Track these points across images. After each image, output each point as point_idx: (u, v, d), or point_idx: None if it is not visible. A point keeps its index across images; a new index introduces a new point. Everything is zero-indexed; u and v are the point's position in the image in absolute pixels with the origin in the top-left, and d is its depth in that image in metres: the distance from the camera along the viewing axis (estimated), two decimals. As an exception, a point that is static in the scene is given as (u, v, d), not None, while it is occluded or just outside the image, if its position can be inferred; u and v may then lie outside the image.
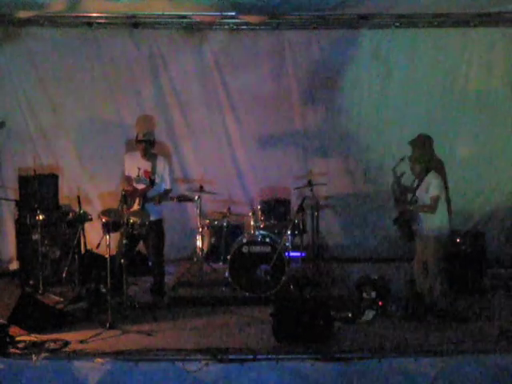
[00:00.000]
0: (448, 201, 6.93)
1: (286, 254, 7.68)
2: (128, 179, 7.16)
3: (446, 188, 7.00)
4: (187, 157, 9.03)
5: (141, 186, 7.13)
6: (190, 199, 8.00)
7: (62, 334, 6.18)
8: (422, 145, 6.86)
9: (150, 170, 7.13)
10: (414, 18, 8.41)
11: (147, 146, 7.16)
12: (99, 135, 8.83)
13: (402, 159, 6.89)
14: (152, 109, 8.82)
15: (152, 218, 7.02)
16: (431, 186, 6.61)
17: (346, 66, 8.82)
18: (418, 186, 6.73)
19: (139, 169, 7.15)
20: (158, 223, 7.18)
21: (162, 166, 7.23)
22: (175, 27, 8.64)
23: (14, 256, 8.40)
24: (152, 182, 7.07)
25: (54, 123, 8.82)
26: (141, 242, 7.31)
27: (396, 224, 6.86)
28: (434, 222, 6.63)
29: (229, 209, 8.27)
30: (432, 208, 6.59)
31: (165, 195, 7.31)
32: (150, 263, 7.43)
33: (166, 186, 7.30)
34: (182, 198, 7.93)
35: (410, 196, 6.75)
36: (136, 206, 7.03)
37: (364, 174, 8.89)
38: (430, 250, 6.67)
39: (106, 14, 8.27)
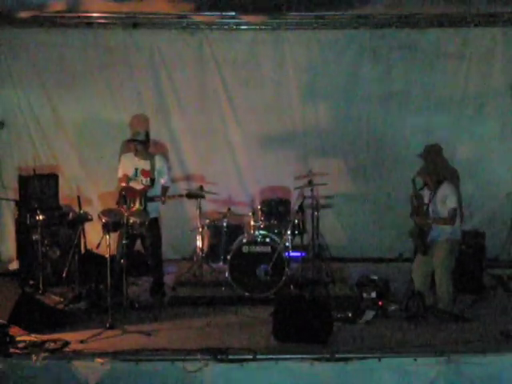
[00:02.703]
0: (460, 207, 6.87)
1: (286, 254, 7.67)
2: (124, 177, 7.17)
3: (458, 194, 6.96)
4: (187, 157, 9.03)
5: (139, 186, 7.14)
6: (199, 196, 7.94)
7: (62, 334, 6.17)
8: (432, 156, 6.80)
9: (148, 169, 7.15)
10: (413, 18, 8.40)
11: (138, 145, 7.16)
12: (99, 135, 8.84)
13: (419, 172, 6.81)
14: (152, 109, 8.82)
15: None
16: (448, 199, 6.55)
17: (345, 66, 8.82)
18: (431, 197, 6.67)
19: (136, 169, 7.16)
20: (155, 222, 7.19)
21: (159, 164, 7.24)
22: (175, 27, 8.64)
23: (14, 256, 8.40)
24: (152, 182, 7.09)
25: (54, 123, 8.83)
26: (138, 242, 7.32)
27: (411, 236, 6.83)
28: (446, 228, 6.59)
29: (229, 209, 8.27)
30: (451, 221, 6.54)
31: (164, 193, 7.32)
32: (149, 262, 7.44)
33: (164, 183, 7.31)
34: (191, 195, 7.89)
35: (424, 208, 6.69)
36: (137, 206, 7.03)
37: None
38: (438, 254, 6.62)
39: (106, 14, 8.27)
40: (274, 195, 8.63)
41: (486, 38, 8.67)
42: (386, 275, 7.33)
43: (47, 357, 5.66)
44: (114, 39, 8.70)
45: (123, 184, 7.15)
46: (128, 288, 6.89)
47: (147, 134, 7.27)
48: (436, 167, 6.71)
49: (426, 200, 6.74)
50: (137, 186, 7.15)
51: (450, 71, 8.79)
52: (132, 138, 7.15)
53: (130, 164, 7.22)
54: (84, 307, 6.96)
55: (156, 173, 7.17)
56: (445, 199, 6.57)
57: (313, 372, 5.60)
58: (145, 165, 7.17)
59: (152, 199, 7.13)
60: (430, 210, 6.67)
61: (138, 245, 7.40)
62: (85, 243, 7.62)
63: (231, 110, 8.91)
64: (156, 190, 7.21)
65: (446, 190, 6.61)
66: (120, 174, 7.28)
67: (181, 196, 7.62)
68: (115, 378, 5.59)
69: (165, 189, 7.34)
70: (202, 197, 7.97)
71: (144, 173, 7.16)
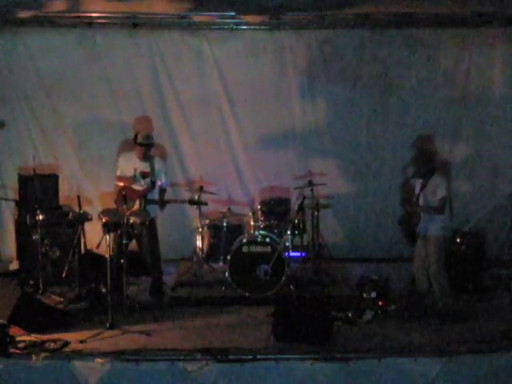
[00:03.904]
0: (450, 201, 6.94)
1: (286, 254, 7.67)
2: (126, 179, 7.16)
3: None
4: (187, 157, 9.02)
5: (139, 188, 7.14)
6: (202, 203, 7.92)
7: (62, 334, 6.18)
8: (424, 144, 6.84)
9: (148, 171, 7.14)
10: (413, 18, 8.40)
11: (147, 149, 7.17)
12: (99, 135, 8.83)
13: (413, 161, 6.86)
14: (152, 109, 8.82)
15: None
16: (439, 188, 6.61)
17: (345, 66, 8.82)
18: (423, 187, 6.71)
19: (135, 170, 7.15)
20: (151, 222, 7.19)
21: (158, 166, 7.25)
22: (175, 27, 8.64)
23: (14, 256, 8.40)
24: (153, 184, 7.09)
25: (54, 123, 8.82)
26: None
27: (401, 224, 6.85)
28: (436, 223, 6.63)
29: (229, 209, 8.26)
30: (440, 209, 6.59)
31: (162, 195, 7.35)
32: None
33: (161, 185, 7.31)
34: (193, 202, 7.82)
35: (415, 197, 6.75)
36: (136, 208, 7.04)
37: None
38: (431, 250, 6.69)
39: (106, 14, 8.25)
40: (274, 195, 8.64)
41: (486, 38, 8.67)
42: (386, 275, 7.33)
43: (47, 357, 5.67)
44: (114, 39, 8.69)
45: (120, 184, 7.15)
46: (128, 288, 6.90)
47: (153, 137, 7.29)
48: (427, 156, 6.75)
49: (416, 189, 6.77)
50: (136, 187, 7.16)
51: (450, 71, 8.79)
52: (145, 143, 7.13)
53: (129, 164, 7.22)
54: (84, 307, 6.97)
55: (156, 176, 7.17)
56: (435, 189, 6.63)
57: (313, 372, 5.60)
58: (145, 166, 7.17)
59: (151, 201, 7.13)
60: (421, 199, 6.71)
61: (133, 245, 7.38)
62: (85, 243, 7.60)
63: (231, 109, 8.90)
64: (155, 192, 7.22)
65: (436, 180, 6.67)
66: (118, 172, 7.29)
67: (183, 202, 7.59)
68: (115, 378, 5.59)
69: (162, 191, 7.35)
70: (205, 204, 7.95)
71: (144, 174, 7.16)
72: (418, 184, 6.81)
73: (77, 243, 7.58)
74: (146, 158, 7.20)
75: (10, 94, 8.72)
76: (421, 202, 6.71)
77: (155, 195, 7.27)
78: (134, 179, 7.13)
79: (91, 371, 5.58)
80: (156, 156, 7.40)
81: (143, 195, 7.10)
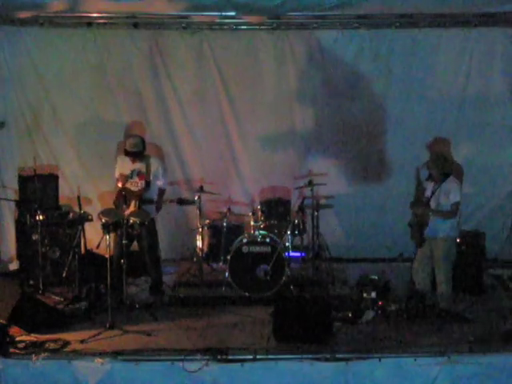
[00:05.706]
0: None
1: (286, 254, 7.67)
2: (122, 177, 7.17)
3: None
4: (187, 157, 9.02)
5: (135, 188, 7.14)
6: (190, 202, 7.93)
7: (62, 334, 6.18)
8: (441, 148, 6.79)
9: (144, 171, 7.15)
10: (413, 18, 8.39)
11: (135, 157, 7.16)
12: (99, 135, 8.83)
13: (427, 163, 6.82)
14: (152, 109, 8.83)
15: None
16: (452, 192, 6.58)
17: (345, 66, 8.82)
18: (435, 190, 6.69)
19: (132, 171, 7.15)
20: (151, 222, 7.19)
21: (155, 167, 7.25)
22: (175, 27, 8.64)
23: (14, 256, 8.41)
24: (148, 184, 7.09)
25: (54, 123, 8.82)
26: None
27: (410, 226, 6.84)
28: (446, 225, 6.62)
29: (229, 209, 8.26)
30: (453, 214, 6.58)
31: (161, 197, 7.33)
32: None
33: (161, 186, 7.31)
34: (182, 201, 7.84)
35: (425, 199, 6.73)
36: (132, 208, 7.05)
37: None
38: (440, 252, 6.66)
39: (106, 14, 8.26)
40: (274, 195, 8.64)
41: (486, 38, 8.66)
42: (386, 275, 7.33)
43: (47, 357, 5.67)
44: (114, 39, 8.69)
45: (120, 184, 7.15)
46: (128, 288, 6.90)
47: (143, 141, 7.26)
48: (443, 160, 6.71)
49: (428, 191, 6.75)
50: (133, 187, 7.17)
51: (450, 71, 8.78)
52: (130, 150, 7.12)
53: (126, 165, 7.22)
54: (84, 307, 6.97)
55: (151, 175, 7.18)
56: (448, 193, 6.59)
57: (313, 372, 5.61)
58: (141, 167, 7.18)
59: (147, 201, 7.13)
60: (432, 202, 6.68)
61: (133, 245, 7.39)
62: (85, 243, 7.60)
63: (231, 109, 8.90)
64: (152, 193, 7.23)
65: (451, 184, 6.63)
66: (117, 174, 7.29)
67: (171, 202, 7.57)
68: (115, 377, 5.59)
69: (161, 192, 7.35)
70: (191, 203, 7.93)
71: (140, 175, 7.16)
72: (429, 187, 6.78)
73: (77, 243, 7.58)
74: (141, 158, 7.18)
75: (10, 94, 8.72)
76: (432, 205, 6.69)
77: (153, 195, 7.27)
78: (128, 178, 7.13)
79: (91, 371, 5.59)
80: (152, 156, 7.39)
81: (138, 196, 7.10)
